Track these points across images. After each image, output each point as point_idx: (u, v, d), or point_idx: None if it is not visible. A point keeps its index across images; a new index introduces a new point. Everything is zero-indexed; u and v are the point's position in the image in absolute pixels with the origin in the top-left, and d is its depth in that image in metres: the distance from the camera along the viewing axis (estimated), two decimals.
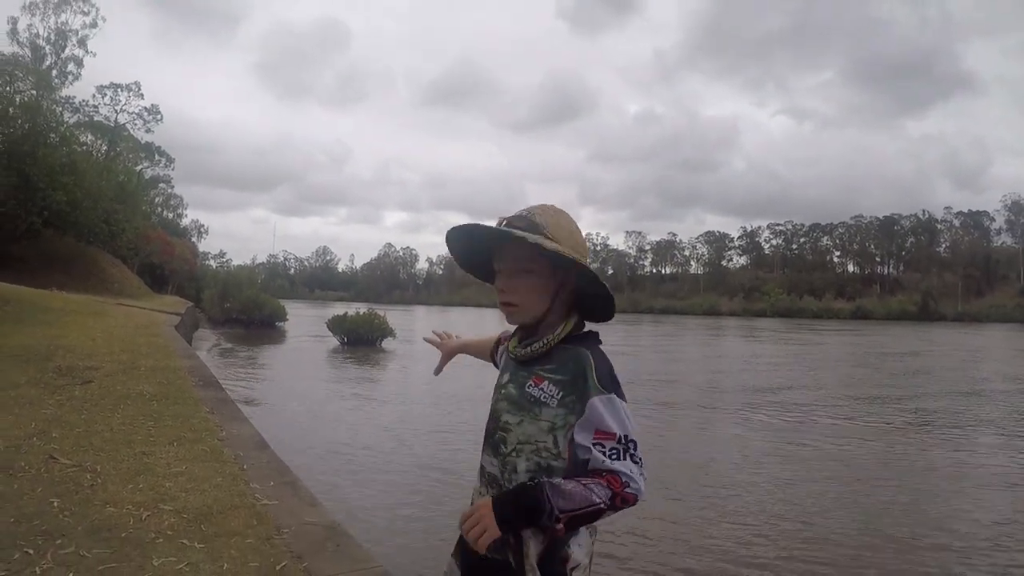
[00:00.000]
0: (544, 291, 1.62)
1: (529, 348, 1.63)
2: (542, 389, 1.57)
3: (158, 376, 8.96)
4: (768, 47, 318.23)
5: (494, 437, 1.63)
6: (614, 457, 1.48)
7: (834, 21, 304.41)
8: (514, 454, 1.58)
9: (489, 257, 1.70)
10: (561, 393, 1.55)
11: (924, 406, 14.70)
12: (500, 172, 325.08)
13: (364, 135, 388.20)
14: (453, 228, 1.66)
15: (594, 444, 1.49)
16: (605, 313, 1.70)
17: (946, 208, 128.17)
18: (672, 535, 6.53)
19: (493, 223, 1.64)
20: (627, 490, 1.45)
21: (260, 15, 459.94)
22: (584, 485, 1.44)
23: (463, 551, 1.67)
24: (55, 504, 4.02)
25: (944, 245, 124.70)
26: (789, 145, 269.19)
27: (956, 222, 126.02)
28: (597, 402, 1.51)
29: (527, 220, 1.60)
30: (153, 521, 3.88)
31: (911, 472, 9.22)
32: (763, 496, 7.88)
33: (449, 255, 1.84)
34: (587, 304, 1.68)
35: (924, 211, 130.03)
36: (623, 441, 1.49)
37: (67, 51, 48.76)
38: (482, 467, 1.68)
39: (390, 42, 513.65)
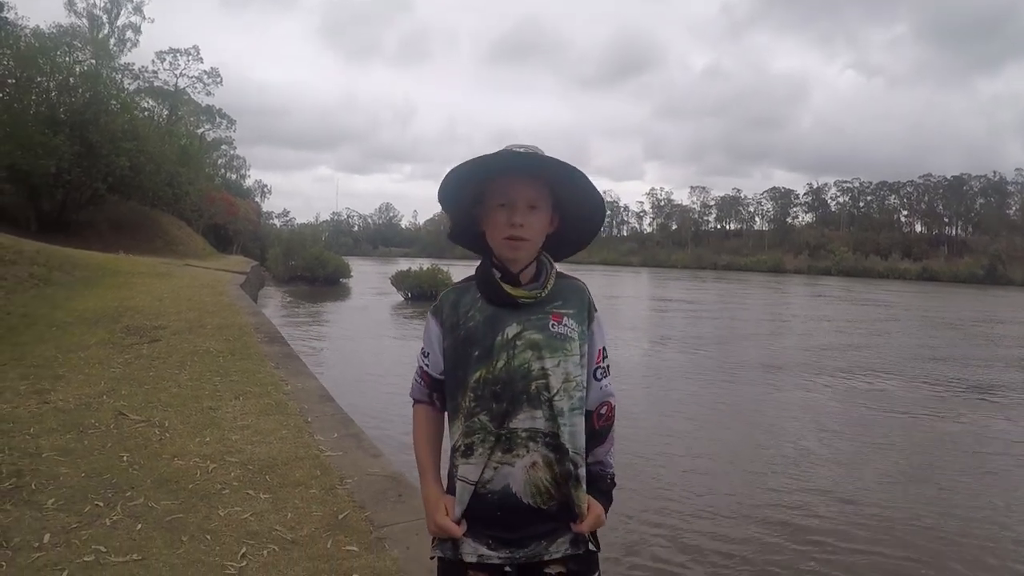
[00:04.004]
0: (544, 228, 1.66)
1: (544, 289, 1.64)
2: (565, 325, 1.62)
3: (224, 333, 9.11)
4: (839, 0, 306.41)
5: (529, 391, 1.57)
6: (604, 375, 1.71)
7: None
8: (557, 397, 1.58)
9: (468, 205, 1.68)
10: (577, 325, 1.64)
11: None
12: (565, 127, 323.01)
13: (429, 93, 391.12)
14: (471, 162, 1.56)
15: (596, 368, 1.69)
16: (570, 252, 1.80)
17: (1017, 169, 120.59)
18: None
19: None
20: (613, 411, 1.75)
21: None
22: (610, 446, 1.74)
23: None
24: (124, 459, 4.10)
25: (1015, 208, 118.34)
26: (858, 101, 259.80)
27: None
28: (597, 324, 1.70)
29: (537, 152, 1.58)
30: (219, 473, 3.93)
31: None
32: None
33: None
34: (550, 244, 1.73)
35: (995, 172, 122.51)
36: (605, 353, 1.73)
37: (123, 18, 49.35)
38: (511, 432, 1.56)
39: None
